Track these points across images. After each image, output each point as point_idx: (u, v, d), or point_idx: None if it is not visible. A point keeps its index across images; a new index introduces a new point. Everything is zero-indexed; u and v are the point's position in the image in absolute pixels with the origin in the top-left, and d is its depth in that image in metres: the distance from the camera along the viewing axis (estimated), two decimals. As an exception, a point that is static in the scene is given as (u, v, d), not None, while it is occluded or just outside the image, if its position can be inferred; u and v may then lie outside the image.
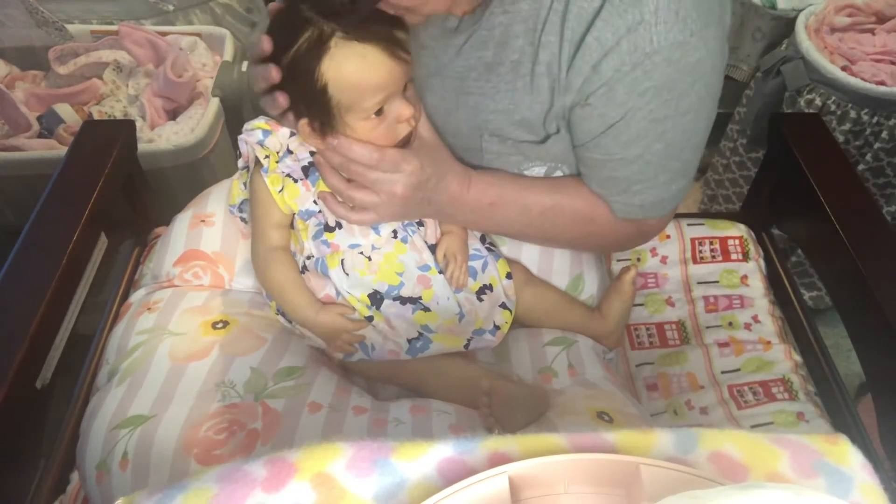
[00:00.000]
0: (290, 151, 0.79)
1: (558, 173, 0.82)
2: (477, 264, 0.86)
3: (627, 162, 0.74)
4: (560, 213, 0.81)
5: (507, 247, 0.93)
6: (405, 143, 0.75)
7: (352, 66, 0.68)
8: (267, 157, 0.78)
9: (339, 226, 0.80)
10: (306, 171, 0.79)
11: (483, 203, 0.79)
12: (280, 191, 0.79)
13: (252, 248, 0.85)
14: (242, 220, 0.91)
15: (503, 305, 0.87)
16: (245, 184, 0.86)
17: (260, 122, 0.79)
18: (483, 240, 0.89)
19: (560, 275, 0.94)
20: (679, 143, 0.73)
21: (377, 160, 0.72)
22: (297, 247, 0.83)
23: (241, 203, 0.89)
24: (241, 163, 0.84)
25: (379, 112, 0.71)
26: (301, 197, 0.79)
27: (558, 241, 0.87)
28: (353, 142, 0.72)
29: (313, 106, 0.71)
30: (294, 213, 0.81)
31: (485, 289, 0.86)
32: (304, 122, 0.73)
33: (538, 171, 0.81)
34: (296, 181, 0.79)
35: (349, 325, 0.81)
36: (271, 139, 0.78)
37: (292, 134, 0.78)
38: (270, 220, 0.82)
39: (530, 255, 0.93)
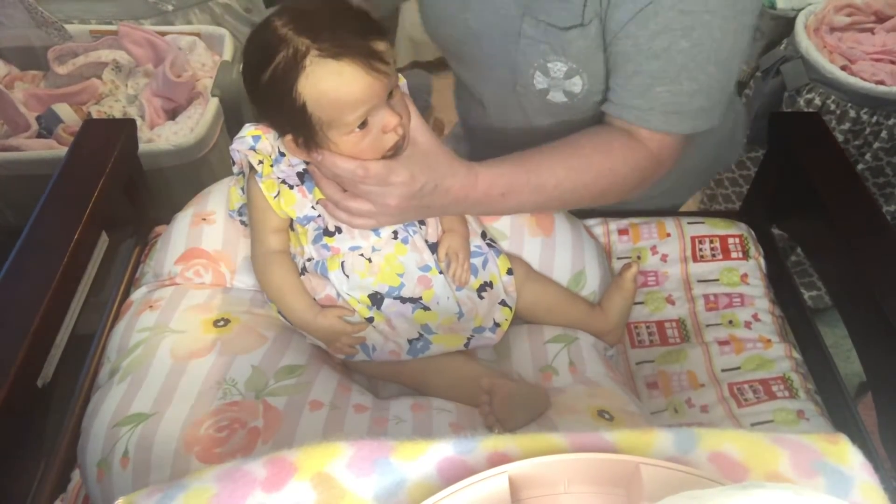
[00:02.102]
0: (282, 154, 0.78)
1: (575, 80, 0.82)
2: (477, 261, 0.86)
3: (653, 55, 0.75)
4: (576, 176, 0.79)
5: (507, 242, 0.93)
6: (397, 151, 0.73)
7: (328, 84, 0.66)
8: (261, 162, 0.78)
9: (339, 230, 0.80)
10: (301, 176, 0.79)
11: (494, 195, 0.77)
12: (276, 196, 0.79)
13: (251, 253, 0.85)
14: (242, 223, 0.91)
15: (503, 303, 0.87)
16: (242, 188, 0.86)
17: (250, 128, 0.79)
18: (483, 235, 0.89)
19: (561, 270, 0.94)
20: (706, 47, 0.74)
21: (362, 177, 0.71)
22: (297, 249, 0.83)
23: (241, 207, 0.89)
24: (235, 169, 0.84)
25: (363, 125, 0.70)
26: (298, 203, 0.79)
27: (580, 203, 0.85)
28: (336, 157, 0.71)
29: (295, 123, 0.70)
30: (292, 218, 0.81)
31: (485, 286, 0.86)
32: (288, 138, 0.72)
33: (560, 67, 0.81)
34: (291, 187, 0.79)
35: (349, 328, 0.81)
36: (262, 143, 0.78)
37: None
38: (268, 224, 0.82)
39: (532, 250, 0.93)
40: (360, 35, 0.67)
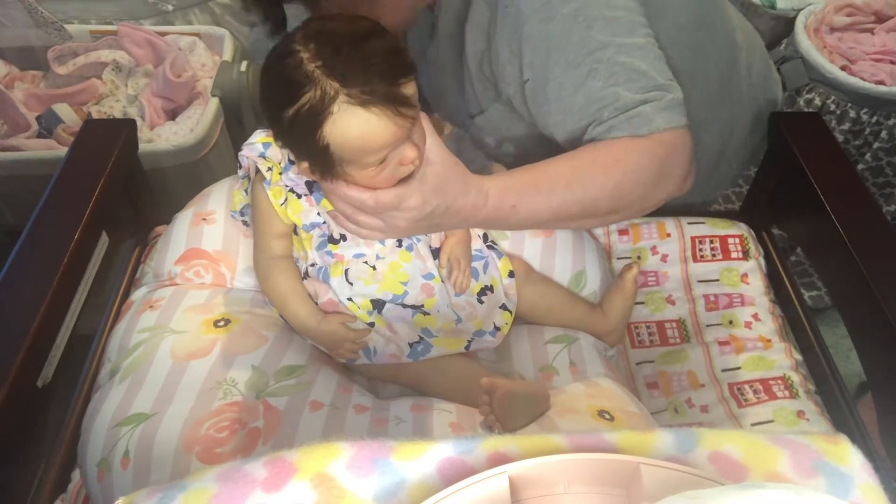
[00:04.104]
0: (292, 162, 0.78)
1: (506, 146, 0.86)
2: (478, 265, 0.86)
3: (558, 82, 0.77)
4: (584, 173, 0.77)
5: (508, 242, 0.93)
6: (410, 175, 0.71)
7: (355, 133, 0.65)
8: (270, 169, 0.78)
9: (344, 237, 0.79)
10: (310, 185, 0.78)
11: (505, 208, 0.76)
12: (283, 204, 0.79)
13: (254, 257, 0.85)
14: (244, 223, 0.91)
15: (503, 306, 0.87)
16: (246, 191, 0.86)
17: (260, 135, 0.79)
18: (485, 238, 0.89)
19: (562, 271, 0.94)
20: (577, 38, 0.76)
21: (373, 208, 0.70)
22: (301, 253, 0.83)
23: (243, 208, 0.89)
24: (241, 173, 0.84)
25: (382, 160, 0.68)
26: (304, 212, 0.79)
27: (599, 204, 0.79)
28: (349, 188, 0.70)
29: (315, 158, 0.69)
30: (297, 225, 0.81)
31: (485, 290, 0.86)
32: (305, 165, 0.71)
33: (490, 141, 0.86)
34: (299, 196, 0.78)
35: (351, 334, 0.81)
36: (272, 150, 0.78)
37: None
38: (272, 230, 0.81)
39: (532, 250, 0.93)
40: (389, 78, 0.65)
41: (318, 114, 0.64)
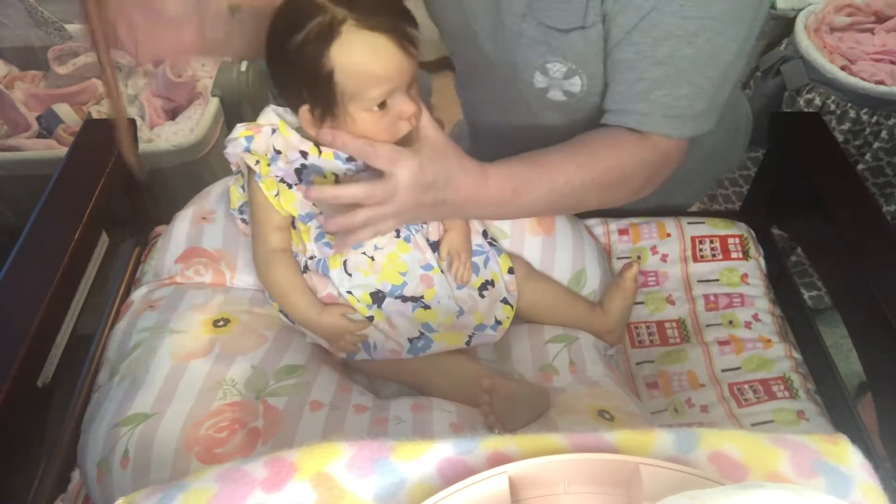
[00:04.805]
0: (278, 152, 0.77)
1: (574, 80, 0.82)
2: (479, 260, 0.86)
3: (657, 62, 0.75)
4: (586, 171, 0.79)
5: (508, 241, 0.93)
6: (406, 144, 0.73)
7: (361, 54, 0.68)
8: (257, 162, 0.77)
9: None
10: (299, 173, 0.78)
11: (506, 193, 0.76)
12: (276, 195, 0.79)
13: (253, 251, 0.85)
14: (243, 221, 0.91)
15: (504, 300, 0.87)
16: (243, 187, 0.86)
17: (241, 129, 0.78)
18: (485, 234, 0.89)
19: (562, 270, 0.94)
20: (708, 53, 0.75)
21: (371, 154, 0.69)
22: (300, 247, 0.83)
23: (242, 205, 0.89)
24: (234, 168, 0.84)
25: (382, 105, 0.71)
26: (298, 201, 0.79)
27: (590, 201, 0.83)
28: (347, 136, 0.70)
29: (316, 92, 0.70)
30: (294, 217, 0.81)
31: (487, 284, 0.86)
32: (304, 108, 0.72)
33: (559, 68, 0.82)
34: (290, 186, 0.78)
35: (351, 325, 0.81)
36: (255, 142, 0.77)
37: (273, 131, 0.77)
38: (270, 223, 0.81)
39: (532, 249, 0.93)
40: (396, 14, 0.69)
41: (326, 35, 0.67)
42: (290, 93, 0.74)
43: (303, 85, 0.71)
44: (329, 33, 0.67)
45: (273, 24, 0.72)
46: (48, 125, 1.44)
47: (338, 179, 0.78)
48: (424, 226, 0.83)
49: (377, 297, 0.81)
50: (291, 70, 0.71)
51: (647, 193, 0.85)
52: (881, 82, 1.41)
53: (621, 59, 0.78)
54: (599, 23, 0.76)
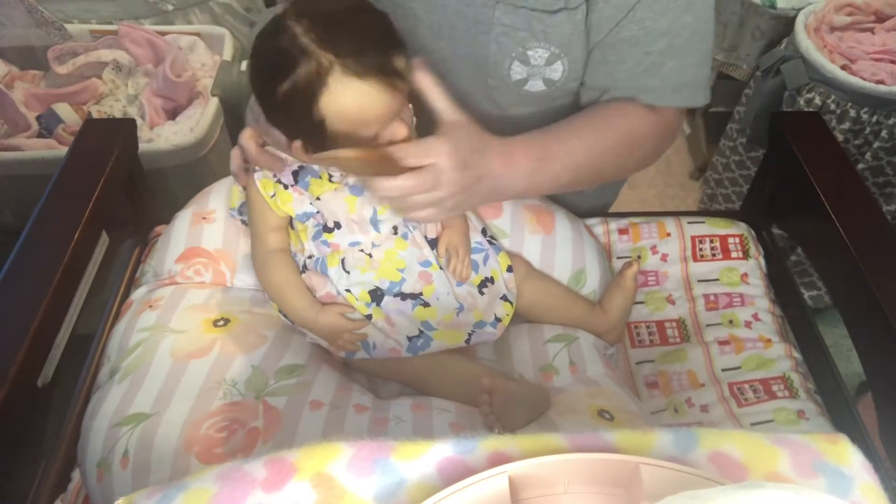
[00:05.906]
0: None
1: (556, 66, 0.81)
2: (478, 257, 0.86)
3: (661, 34, 0.77)
4: (602, 139, 0.80)
5: (508, 240, 0.93)
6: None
7: (351, 104, 0.66)
8: None
9: (338, 225, 0.80)
10: (296, 175, 0.78)
11: (532, 164, 0.76)
12: (273, 196, 0.79)
13: (252, 252, 0.85)
14: (243, 222, 0.91)
15: (504, 297, 0.87)
16: (243, 187, 0.86)
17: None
18: (484, 232, 0.89)
19: (562, 269, 0.94)
20: (703, 18, 0.78)
21: (414, 184, 0.67)
22: (298, 247, 0.83)
23: (241, 206, 0.89)
24: None
25: (374, 136, 0.70)
26: (295, 202, 0.79)
27: (606, 172, 0.84)
28: (383, 182, 0.68)
29: (308, 135, 0.70)
30: (291, 216, 0.81)
31: (486, 281, 0.86)
32: (297, 143, 0.72)
33: (541, 54, 0.79)
34: (286, 187, 0.79)
35: (350, 324, 0.81)
36: None
37: None
38: (267, 223, 0.82)
39: (532, 248, 0.93)
40: (382, 50, 0.66)
41: (314, 86, 0.65)
42: (282, 129, 0.73)
43: (294, 127, 0.71)
44: (317, 83, 0.65)
45: (258, 63, 0.70)
46: (48, 125, 1.44)
47: (331, 179, 0.79)
48: (421, 223, 0.83)
49: (376, 295, 0.81)
50: (283, 113, 0.70)
51: (651, 164, 0.87)
52: (881, 82, 1.41)
53: (625, 38, 0.78)
54: (584, 3, 0.76)
